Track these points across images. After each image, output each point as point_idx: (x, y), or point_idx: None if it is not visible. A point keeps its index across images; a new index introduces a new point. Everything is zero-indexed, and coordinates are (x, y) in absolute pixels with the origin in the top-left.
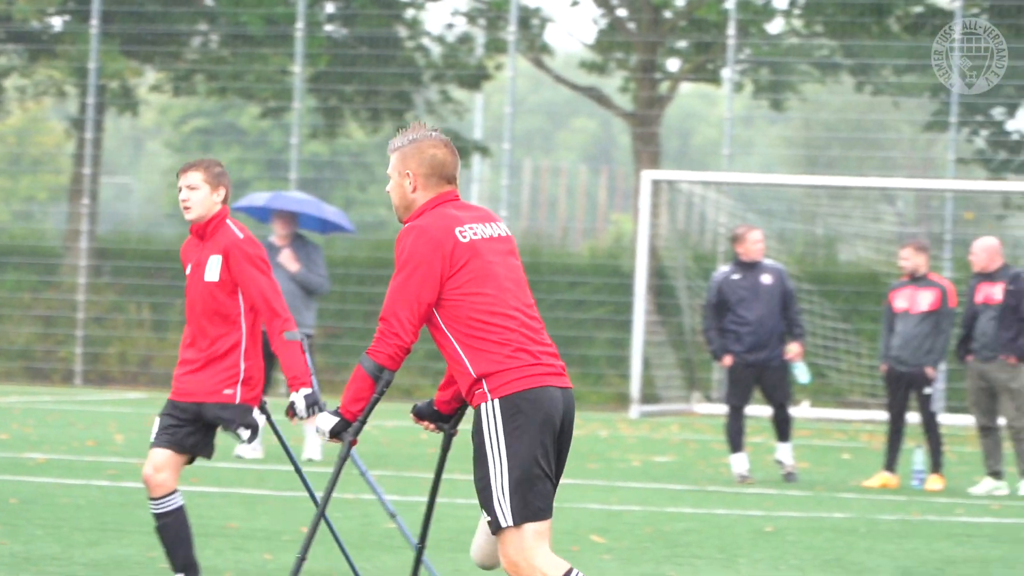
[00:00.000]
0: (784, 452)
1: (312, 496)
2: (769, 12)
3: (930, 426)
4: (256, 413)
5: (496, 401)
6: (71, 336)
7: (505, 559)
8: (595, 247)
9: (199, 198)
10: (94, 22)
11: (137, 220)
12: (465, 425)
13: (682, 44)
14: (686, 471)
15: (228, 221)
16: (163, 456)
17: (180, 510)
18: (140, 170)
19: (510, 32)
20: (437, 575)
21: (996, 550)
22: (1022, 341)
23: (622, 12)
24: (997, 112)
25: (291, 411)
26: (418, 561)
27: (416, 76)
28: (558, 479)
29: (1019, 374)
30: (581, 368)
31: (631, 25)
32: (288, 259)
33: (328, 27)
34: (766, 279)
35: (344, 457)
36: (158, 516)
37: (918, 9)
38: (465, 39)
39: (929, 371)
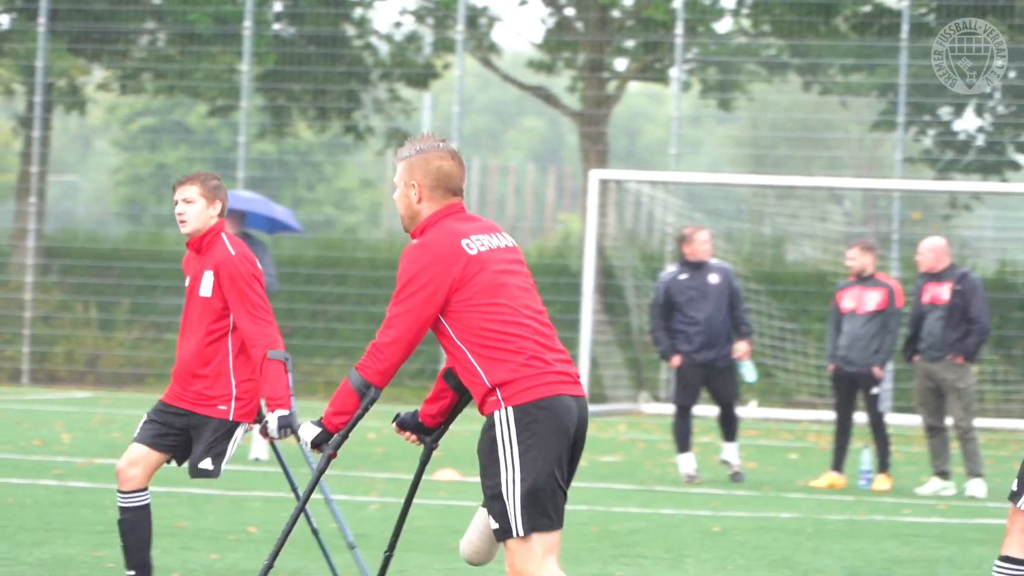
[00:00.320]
0: (730, 452)
1: (308, 516)
2: (717, 11)
3: (877, 426)
4: (240, 431)
5: (510, 409)
6: (18, 335)
7: (511, 569)
8: (543, 246)
9: (195, 212)
10: (41, 20)
11: (85, 219)
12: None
13: (630, 43)
14: (633, 471)
15: (223, 236)
16: (140, 452)
17: (145, 509)
18: (88, 168)
19: (458, 31)
20: (369, 574)
21: (943, 550)
22: (969, 341)
23: (570, 11)
24: (944, 112)
25: (264, 430)
26: (384, 569)
27: (364, 75)
28: (568, 486)
29: (966, 374)
30: None
31: (579, 24)
32: None
33: (276, 26)
34: (713, 279)
35: (322, 470)
36: (123, 510)
37: (866, 8)
38: (413, 38)
39: (876, 371)
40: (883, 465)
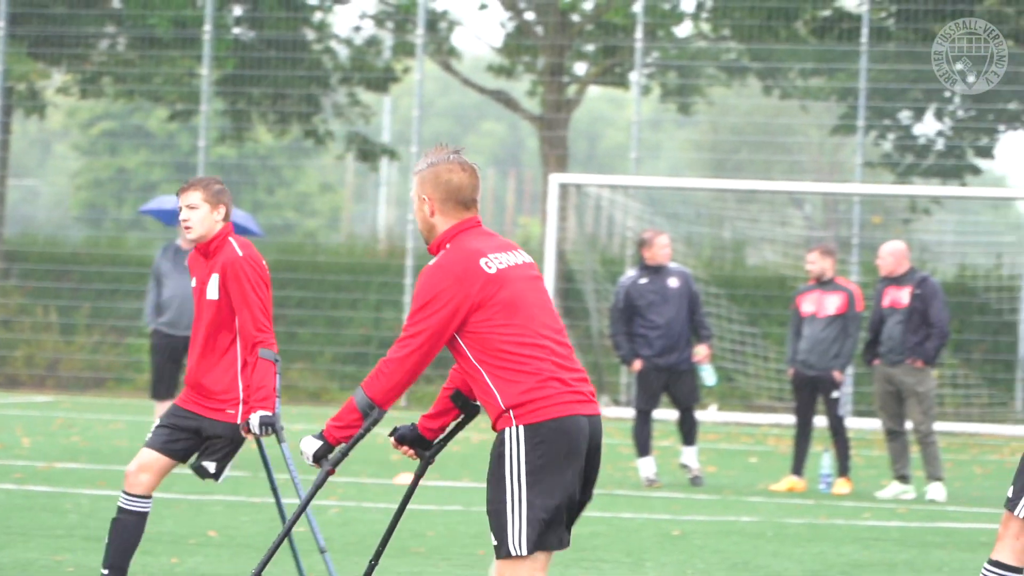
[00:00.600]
0: (689, 456)
1: (280, 510)
2: (677, 16)
3: (837, 430)
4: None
5: (521, 427)
6: None
7: None
8: None
9: (199, 217)
10: (1, 24)
11: (44, 223)
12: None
13: (590, 48)
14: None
15: (230, 239)
16: (150, 458)
17: (143, 516)
18: (48, 173)
19: (418, 35)
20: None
21: (903, 554)
22: (929, 345)
23: (530, 15)
24: (904, 116)
25: (246, 427)
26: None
27: (324, 79)
28: (584, 504)
29: (926, 378)
30: None
31: (539, 28)
32: None
33: (236, 30)
34: (673, 283)
35: (319, 484)
36: (121, 510)
37: (825, 13)
38: (373, 42)
39: (836, 375)
40: (843, 469)
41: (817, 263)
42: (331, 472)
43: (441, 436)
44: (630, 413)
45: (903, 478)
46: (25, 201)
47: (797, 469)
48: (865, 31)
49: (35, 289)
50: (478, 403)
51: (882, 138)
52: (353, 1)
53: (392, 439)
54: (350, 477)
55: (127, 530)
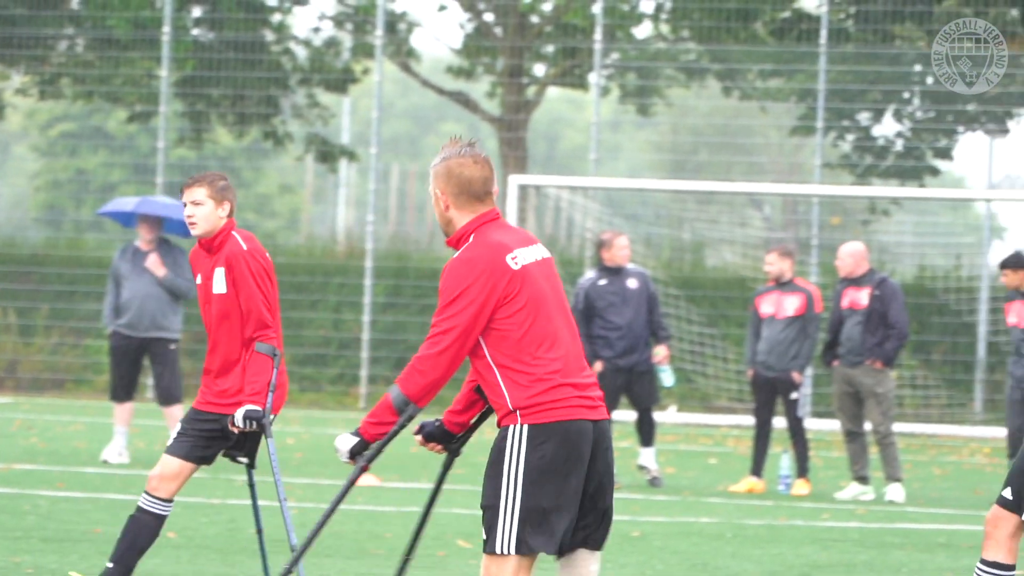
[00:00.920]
0: (647, 457)
1: (257, 515)
2: (636, 17)
3: (796, 431)
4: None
5: (525, 427)
6: None
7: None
8: None
9: (204, 214)
10: None
11: (3, 224)
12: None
13: (549, 49)
14: None
15: (234, 233)
16: (173, 466)
17: (160, 520)
18: (6, 174)
19: (377, 36)
20: None
21: (862, 555)
22: (888, 346)
23: (489, 17)
24: (863, 117)
25: (231, 421)
26: (402, 572)
27: (283, 80)
28: (601, 508)
29: (885, 379)
30: None
31: (498, 30)
32: (155, 264)
33: (195, 31)
34: (632, 283)
35: (353, 480)
36: (140, 509)
37: (785, 14)
38: (332, 43)
39: (795, 376)
40: (802, 470)
41: (775, 264)
42: (365, 469)
43: (467, 430)
44: None
45: (862, 479)
46: None
47: (756, 470)
48: (824, 32)
49: None
50: None
51: (841, 139)
52: (312, 2)
53: (419, 437)
54: (309, 479)
55: (142, 530)
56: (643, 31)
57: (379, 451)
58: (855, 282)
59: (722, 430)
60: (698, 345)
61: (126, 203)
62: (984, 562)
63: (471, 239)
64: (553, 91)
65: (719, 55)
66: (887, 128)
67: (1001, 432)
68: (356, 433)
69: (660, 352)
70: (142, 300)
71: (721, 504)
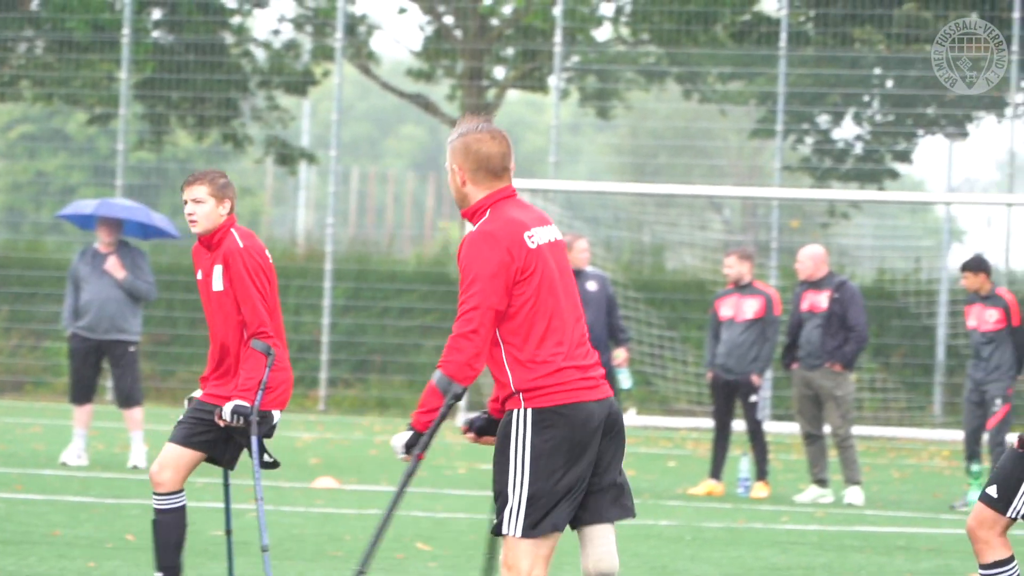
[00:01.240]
0: None
1: (228, 516)
2: (596, 20)
3: (755, 434)
4: (275, 418)
5: (529, 410)
6: None
7: (505, 563)
8: (422, 254)
9: (204, 212)
10: None
11: None
12: None
13: (509, 51)
14: None
15: (233, 230)
16: (172, 453)
17: (180, 511)
18: None
19: (337, 39)
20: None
21: (820, 557)
22: (847, 349)
23: (449, 19)
24: (823, 120)
25: (219, 414)
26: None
27: (242, 83)
28: (610, 483)
29: (844, 382)
30: (407, 376)
31: (458, 32)
32: (114, 266)
33: (155, 33)
34: (591, 286)
35: (411, 472)
36: (157, 512)
37: (745, 17)
38: (291, 46)
39: (754, 379)
40: (761, 473)
41: (735, 267)
42: (421, 457)
43: None
44: None
45: (821, 482)
46: None
47: (715, 473)
48: (784, 35)
49: None
50: None
51: (800, 142)
52: (272, 5)
53: (470, 435)
54: (269, 481)
55: (167, 529)
56: (603, 34)
57: (431, 436)
58: (814, 285)
59: (681, 433)
60: (658, 348)
61: (86, 205)
62: (985, 567)
63: (488, 213)
64: (513, 94)
65: (679, 58)
66: (847, 131)
67: (960, 435)
68: (408, 428)
69: (619, 355)
70: (101, 302)
71: (680, 507)
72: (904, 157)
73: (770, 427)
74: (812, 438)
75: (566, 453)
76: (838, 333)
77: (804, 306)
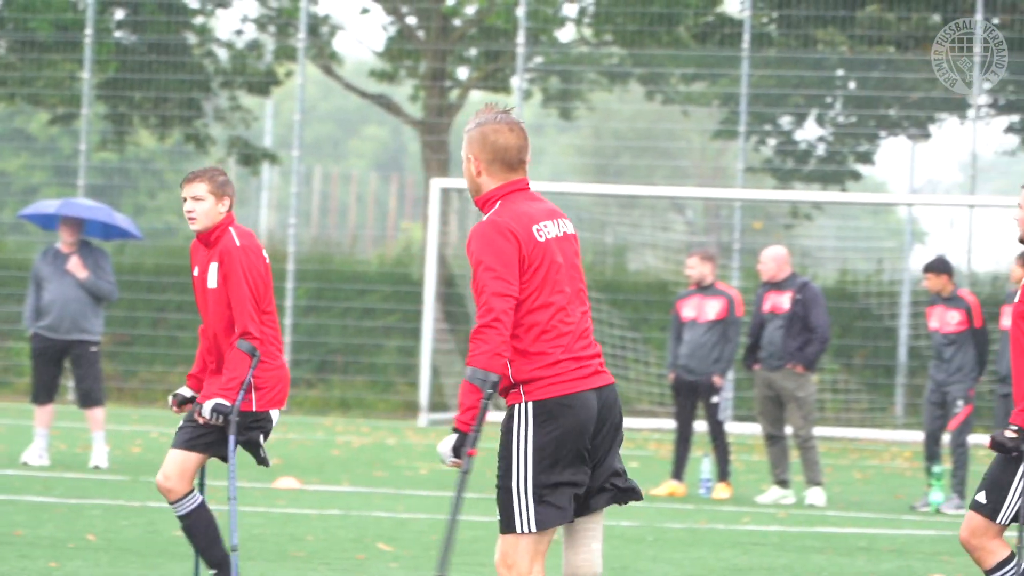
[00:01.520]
0: None
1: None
2: (559, 20)
3: (717, 435)
4: (274, 416)
5: (529, 404)
6: None
7: (501, 559)
8: (384, 255)
9: (204, 209)
10: None
11: None
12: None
13: (472, 52)
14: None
15: (231, 229)
16: (173, 459)
17: (200, 509)
18: None
19: (299, 39)
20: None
21: (782, 558)
22: (809, 350)
23: (412, 20)
24: (785, 121)
25: (198, 411)
26: None
27: (205, 83)
28: (607, 472)
29: (806, 383)
30: (369, 376)
31: (421, 33)
32: (76, 266)
33: (117, 33)
34: None
35: (467, 470)
36: (180, 518)
37: (708, 18)
38: (254, 46)
39: (716, 380)
40: (723, 474)
41: (697, 268)
42: (473, 454)
43: None
44: None
45: (783, 483)
46: None
47: (677, 474)
48: (747, 37)
49: None
50: None
51: (763, 143)
52: (235, 5)
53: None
54: (221, 481)
55: (198, 528)
56: (566, 35)
57: (479, 432)
58: (777, 286)
59: (643, 433)
60: (620, 349)
61: (48, 205)
62: (990, 571)
63: (497, 205)
64: (476, 94)
65: (642, 59)
66: (809, 132)
67: (921, 436)
68: (453, 431)
69: None
70: (63, 302)
71: (642, 508)
72: (866, 158)
73: (732, 428)
74: (774, 439)
75: (567, 443)
76: (800, 334)
77: (766, 307)
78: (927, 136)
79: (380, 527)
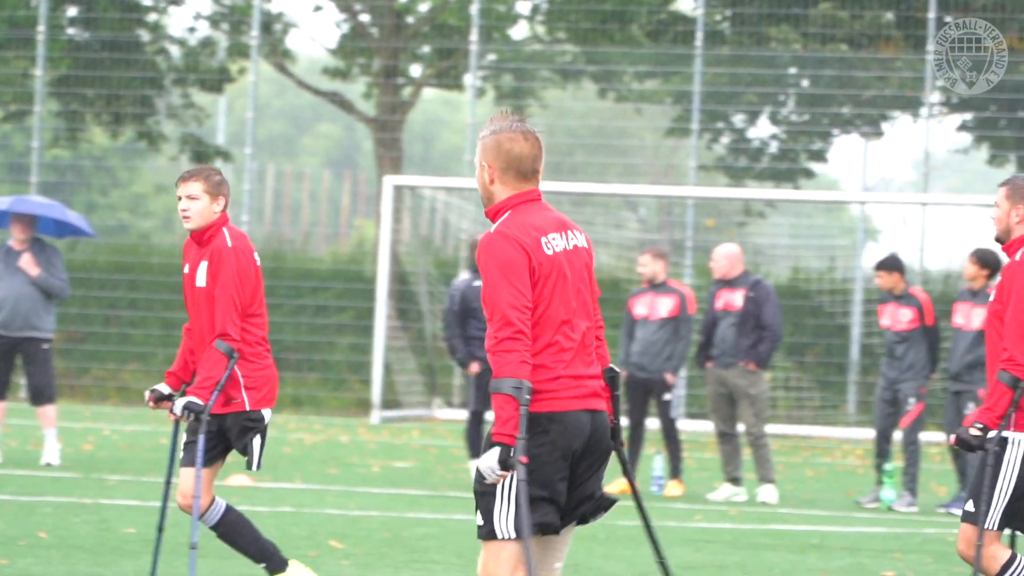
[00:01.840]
0: None
1: (163, 515)
2: (512, 18)
3: (669, 432)
4: (267, 416)
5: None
6: None
7: (482, 568)
8: (337, 252)
9: (198, 208)
10: None
11: None
12: None
13: (425, 50)
14: (426, 477)
15: (224, 229)
16: (189, 478)
17: (228, 512)
18: None
19: (252, 36)
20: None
21: (734, 556)
22: (761, 348)
23: (365, 17)
24: (738, 119)
25: (171, 408)
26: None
27: (158, 80)
28: (584, 494)
29: (758, 380)
30: (322, 373)
31: (374, 30)
32: (28, 263)
33: (70, 30)
34: None
35: (523, 478)
36: (213, 529)
37: (661, 16)
38: (207, 43)
39: (668, 377)
40: (675, 471)
41: (649, 266)
42: (525, 461)
43: (613, 420)
44: (463, 415)
45: (735, 480)
46: None
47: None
48: (700, 34)
49: None
50: (619, 372)
51: (716, 141)
52: (188, 2)
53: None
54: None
55: (234, 531)
56: (519, 32)
57: (524, 439)
58: (729, 284)
59: None
60: None
61: (1, 202)
62: None
63: (507, 215)
64: (429, 92)
65: (595, 57)
66: (762, 130)
67: (873, 434)
68: (492, 446)
69: None
70: (15, 300)
71: None
72: (819, 156)
73: (684, 425)
74: (726, 436)
75: (558, 459)
76: (752, 332)
77: (719, 305)
78: (880, 134)
79: (333, 524)
